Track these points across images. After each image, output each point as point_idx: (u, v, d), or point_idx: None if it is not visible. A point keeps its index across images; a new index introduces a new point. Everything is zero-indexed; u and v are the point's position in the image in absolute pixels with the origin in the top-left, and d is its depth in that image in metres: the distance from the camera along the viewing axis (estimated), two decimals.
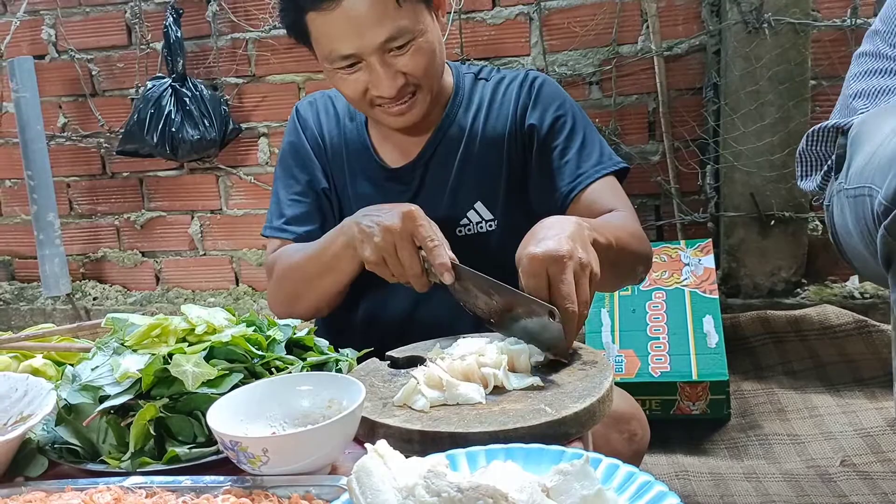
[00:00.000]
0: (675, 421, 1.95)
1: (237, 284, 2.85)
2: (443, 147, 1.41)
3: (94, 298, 2.92)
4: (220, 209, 2.79)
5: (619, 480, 0.72)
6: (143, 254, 2.93)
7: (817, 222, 2.28)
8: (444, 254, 1.10)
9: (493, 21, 2.38)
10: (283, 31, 2.51)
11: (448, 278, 1.09)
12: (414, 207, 1.12)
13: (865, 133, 1.31)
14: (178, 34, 2.48)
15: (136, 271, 2.94)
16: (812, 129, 1.60)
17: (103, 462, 0.90)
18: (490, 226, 1.40)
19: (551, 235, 1.03)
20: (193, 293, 2.89)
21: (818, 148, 1.60)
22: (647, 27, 2.25)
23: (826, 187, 1.58)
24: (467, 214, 1.40)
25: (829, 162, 1.55)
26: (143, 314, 2.58)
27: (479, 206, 1.41)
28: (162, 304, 2.84)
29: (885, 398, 1.99)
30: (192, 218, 2.83)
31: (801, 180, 1.62)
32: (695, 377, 1.91)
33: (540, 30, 2.34)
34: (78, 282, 2.95)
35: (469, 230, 1.40)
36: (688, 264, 2.15)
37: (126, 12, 2.68)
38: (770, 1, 2.08)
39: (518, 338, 1.04)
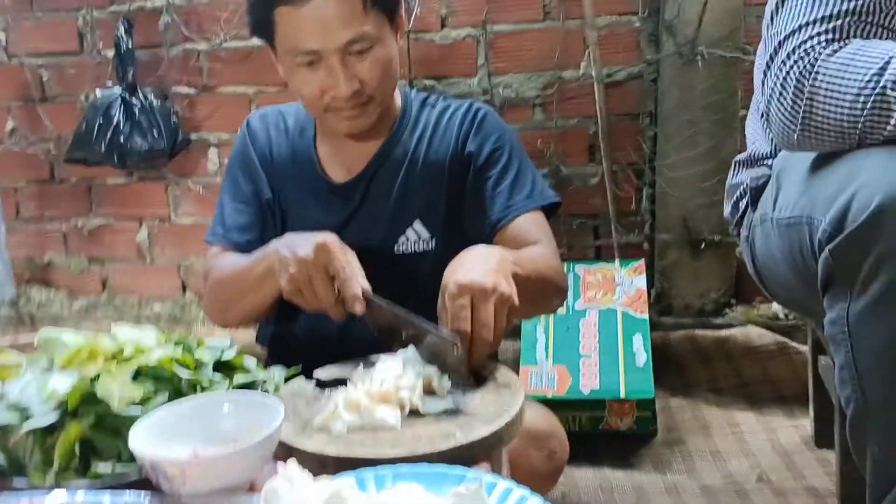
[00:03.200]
0: (604, 436, 2.02)
1: (184, 293, 2.86)
2: (386, 166, 1.47)
3: (39, 304, 2.90)
4: (169, 217, 2.80)
5: (511, 502, 0.78)
6: (90, 260, 2.92)
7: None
8: (356, 285, 1.15)
9: (442, 41, 2.44)
10: (235, 44, 2.57)
11: (359, 308, 1.15)
12: (329, 239, 1.17)
13: (792, 167, 1.39)
14: (129, 45, 2.49)
15: (83, 277, 2.94)
16: (736, 157, 1.69)
17: (27, 479, 0.93)
18: (428, 245, 1.46)
19: (478, 266, 1.12)
20: (140, 300, 2.89)
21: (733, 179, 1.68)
22: (589, 54, 2.33)
23: (735, 216, 1.67)
24: (406, 232, 1.47)
25: (739, 191, 1.63)
26: (89, 323, 2.57)
27: (417, 224, 1.47)
28: (108, 310, 2.84)
29: (803, 416, 2.08)
30: (140, 225, 2.84)
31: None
32: (622, 395, 1.99)
33: (486, 52, 2.41)
34: (23, 286, 2.93)
35: (406, 248, 1.46)
36: (621, 284, 2.22)
37: (78, 20, 2.68)
38: (704, 34, 2.17)
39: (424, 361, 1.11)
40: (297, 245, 1.18)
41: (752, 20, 2.22)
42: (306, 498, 0.74)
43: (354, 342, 1.32)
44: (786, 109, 1.15)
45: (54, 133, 2.77)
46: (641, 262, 2.29)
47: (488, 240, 1.40)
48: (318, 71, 1.33)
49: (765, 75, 1.21)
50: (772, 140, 1.52)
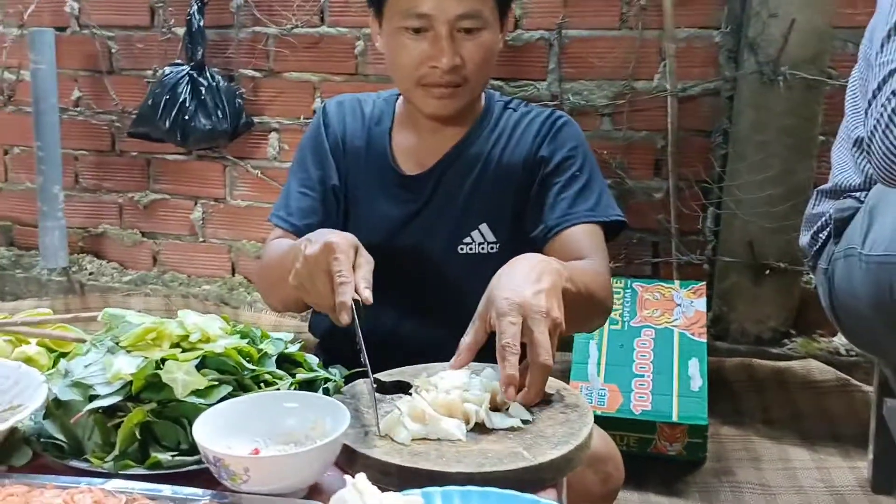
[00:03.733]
0: (651, 458, 1.97)
1: (233, 275, 2.86)
2: (459, 163, 1.45)
3: (91, 273, 2.93)
4: (224, 198, 2.81)
5: None
6: (143, 234, 2.94)
7: (812, 277, 2.30)
8: (347, 293, 1.05)
9: (514, 42, 2.40)
10: (304, 31, 2.56)
11: (344, 319, 1.04)
12: (338, 240, 1.09)
13: (889, 203, 1.33)
14: (201, 23, 2.50)
15: (135, 250, 2.96)
16: (820, 188, 1.62)
17: (87, 460, 0.92)
18: (492, 248, 1.44)
19: (530, 283, 1.06)
20: (189, 278, 2.90)
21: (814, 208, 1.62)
22: (665, 66, 2.27)
23: (814, 247, 1.61)
24: (471, 234, 1.44)
25: (821, 222, 1.57)
26: (138, 296, 2.59)
27: (483, 227, 1.44)
28: (157, 285, 2.85)
29: (860, 458, 2.01)
30: (196, 204, 2.85)
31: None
32: (675, 419, 1.93)
33: (558, 57, 2.36)
34: (76, 255, 2.96)
35: (471, 249, 1.44)
36: (680, 305, 2.17)
37: None
38: (787, 54, 2.10)
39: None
40: (312, 240, 1.13)
41: (838, 44, 2.14)
42: (374, 500, 0.71)
43: (408, 344, 1.30)
44: (891, 142, 1.10)
45: (119, 105, 2.80)
46: (703, 284, 2.22)
47: (541, 245, 1.38)
48: (423, 41, 1.33)
49: (870, 104, 1.15)
50: (864, 171, 1.46)
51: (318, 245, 1.09)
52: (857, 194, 1.48)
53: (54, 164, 2.68)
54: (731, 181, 2.23)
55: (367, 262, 1.12)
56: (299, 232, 1.43)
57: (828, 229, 1.53)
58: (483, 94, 1.50)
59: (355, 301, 1.05)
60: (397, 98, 1.53)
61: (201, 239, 2.87)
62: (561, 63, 2.36)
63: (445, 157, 1.46)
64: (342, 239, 1.10)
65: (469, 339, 1.07)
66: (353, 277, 1.07)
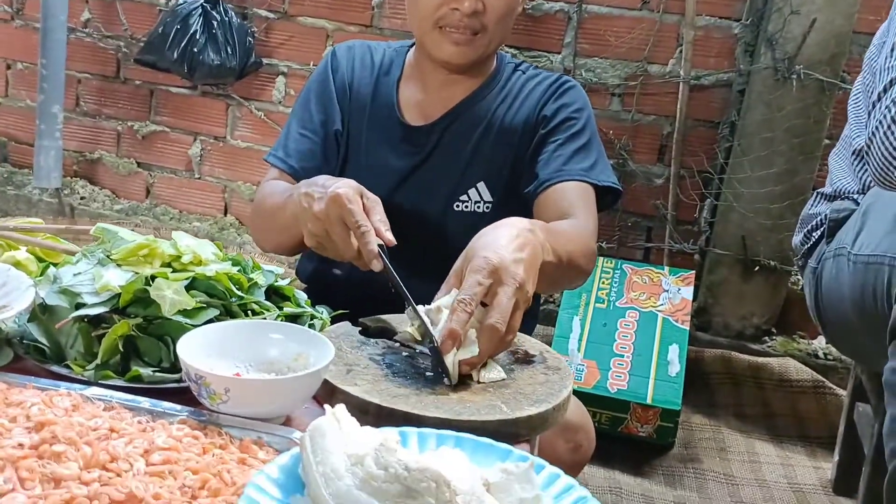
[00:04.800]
0: (620, 438, 1.99)
1: (225, 214, 2.85)
2: (464, 119, 1.45)
3: (82, 198, 2.91)
4: (224, 137, 2.79)
5: (557, 489, 0.75)
6: (139, 164, 2.92)
7: (799, 277, 2.32)
8: (372, 240, 1.06)
9: (533, 12, 2.37)
10: None
11: (376, 266, 1.06)
12: (343, 189, 1.07)
13: (883, 205, 1.34)
14: None
15: (129, 180, 2.94)
16: (820, 189, 1.63)
17: (68, 367, 0.92)
18: (487, 207, 1.43)
19: (512, 250, 1.01)
20: (180, 213, 2.89)
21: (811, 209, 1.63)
22: (681, 52, 2.26)
23: (805, 245, 1.62)
24: (468, 192, 1.44)
25: (816, 221, 1.58)
26: (128, 225, 2.59)
27: (481, 185, 1.44)
28: (148, 217, 2.84)
29: (825, 459, 2.04)
30: (195, 140, 2.82)
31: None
32: (649, 401, 1.95)
33: (576, 31, 2.34)
34: (69, 178, 2.94)
35: (466, 207, 1.43)
36: (667, 291, 2.18)
37: None
38: (804, 53, 2.10)
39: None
40: (315, 197, 1.11)
41: (856, 48, 2.14)
42: (353, 441, 0.72)
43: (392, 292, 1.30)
44: (890, 146, 1.10)
45: (128, 31, 2.76)
46: (692, 273, 2.23)
47: (532, 199, 1.37)
48: None
49: (873, 107, 1.15)
50: (861, 181, 1.47)
51: (324, 200, 1.08)
52: (854, 196, 1.49)
53: (57, 83, 2.65)
54: (733, 174, 2.23)
55: (376, 202, 1.11)
56: (296, 174, 1.43)
57: (821, 229, 1.53)
58: (496, 54, 1.48)
59: (380, 246, 1.06)
60: (408, 49, 1.52)
61: (197, 175, 2.85)
62: (577, 38, 2.34)
63: (451, 112, 1.45)
64: (346, 187, 1.08)
65: (441, 294, 1.03)
66: (370, 223, 1.07)
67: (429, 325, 0.98)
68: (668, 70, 2.30)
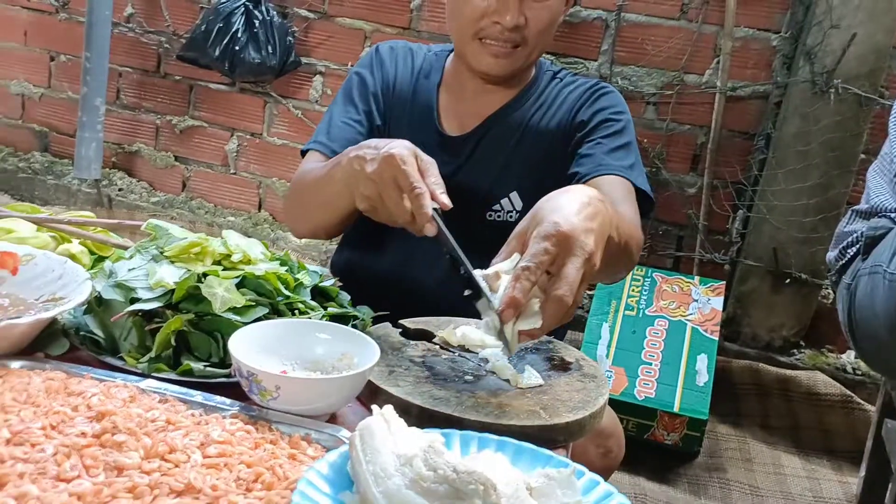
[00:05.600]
0: (646, 445, 2.00)
1: (259, 210, 2.89)
2: (499, 129, 1.44)
3: (120, 189, 2.97)
4: (261, 134, 2.83)
5: (596, 496, 0.77)
6: (176, 158, 2.97)
7: (830, 291, 2.31)
8: (427, 203, 1.01)
9: (571, 19, 2.39)
10: None
11: (429, 230, 1.01)
12: (397, 150, 1.03)
13: None
14: None
15: (166, 173, 2.99)
16: (854, 208, 1.63)
17: (122, 359, 0.95)
18: (514, 216, 1.43)
19: (583, 218, 0.94)
20: (215, 207, 2.93)
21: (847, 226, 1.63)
22: (718, 63, 2.27)
23: (840, 261, 1.62)
24: (501, 201, 1.43)
25: (851, 239, 1.58)
26: (164, 218, 2.63)
27: (514, 195, 1.43)
28: (183, 210, 2.89)
29: (851, 474, 2.03)
30: (232, 135, 2.87)
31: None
32: (676, 409, 1.96)
33: (613, 38, 2.35)
34: (107, 169, 3.00)
35: (499, 217, 1.43)
36: (697, 300, 2.18)
37: None
38: (843, 68, 2.09)
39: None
40: (367, 158, 1.06)
41: None
42: (401, 441, 0.74)
43: (430, 300, 1.30)
44: None
45: (170, 27, 2.80)
46: (722, 284, 2.24)
47: None
48: None
49: None
50: None
51: (377, 160, 1.04)
52: (892, 215, 1.49)
53: (100, 76, 2.71)
54: (766, 186, 2.23)
55: (431, 163, 1.07)
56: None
57: (857, 246, 1.53)
58: (535, 63, 1.47)
59: (434, 209, 1.01)
60: (448, 55, 1.52)
61: (232, 171, 2.90)
62: (615, 45, 2.35)
63: (486, 121, 1.45)
64: (401, 147, 1.04)
65: (500, 258, 0.97)
66: (425, 185, 1.02)
67: (486, 291, 0.93)
68: (705, 80, 2.30)
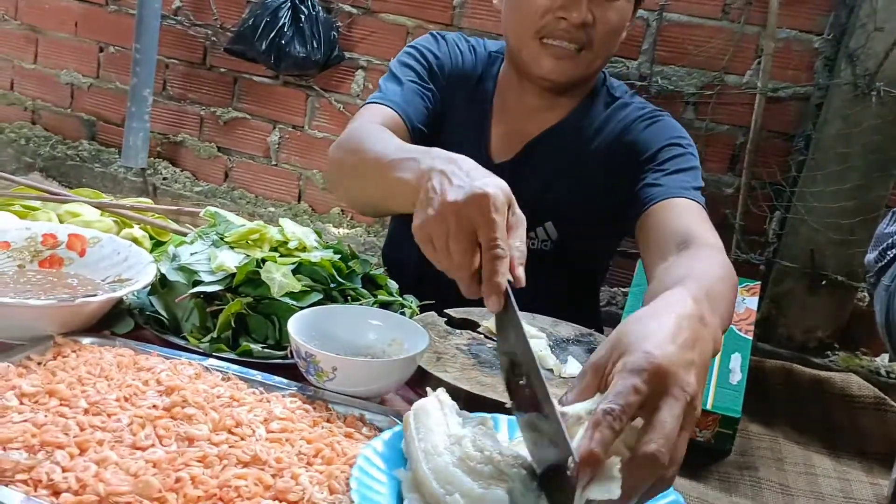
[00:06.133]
0: None
1: (299, 201, 2.95)
2: (543, 155, 1.37)
3: (164, 178, 3.04)
4: (303, 126, 2.88)
5: None
6: (219, 149, 3.04)
7: (866, 293, 2.31)
8: (504, 272, 0.79)
9: None
10: None
11: (493, 306, 0.79)
12: (493, 191, 0.81)
13: None
14: None
15: (209, 163, 3.06)
16: None
17: (184, 338, 1.00)
18: (550, 245, 1.39)
19: (682, 347, 0.70)
20: (256, 198, 3.00)
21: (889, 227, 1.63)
22: (759, 63, 2.27)
23: (879, 263, 1.62)
24: (535, 230, 1.38)
25: (892, 240, 1.59)
26: (207, 206, 2.70)
27: (549, 225, 1.39)
28: (225, 200, 2.95)
29: (883, 476, 2.03)
30: (274, 128, 2.93)
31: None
32: (710, 407, 1.97)
33: (654, 38, 2.37)
34: (152, 159, 3.07)
35: (533, 245, 1.37)
36: None
37: None
38: (886, 70, 2.09)
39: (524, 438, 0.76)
40: (453, 182, 0.84)
41: None
42: (453, 422, 0.78)
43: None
44: None
45: (218, 21, 2.87)
46: (758, 284, 2.24)
47: (633, 220, 1.24)
48: None
49: None
50: None
51: (465, 191, 0.81)
52: None
53: (149, 68, 2.78)
54: (805, 188, 2.23)
55: (521, 223, 0.86)
56: (412, 126, 1.27)
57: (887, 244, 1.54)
58: (596, 76, 1.39)
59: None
60: (500, 60, 1.43)
61: (274, 162, 2.96)
62: (655, 45, 2.36)
63: (531, 143, 1.37)
64: (498, 189, 0.82)
65: (573, 396, 0.71)
66: (510, 249, 0.81)
67: (566, 434, 0.65)
68: (745, 81, 2.31)
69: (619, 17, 1.27)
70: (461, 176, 0.85)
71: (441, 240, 0.82)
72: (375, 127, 1.18)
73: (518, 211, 0.85)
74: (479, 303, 1.10)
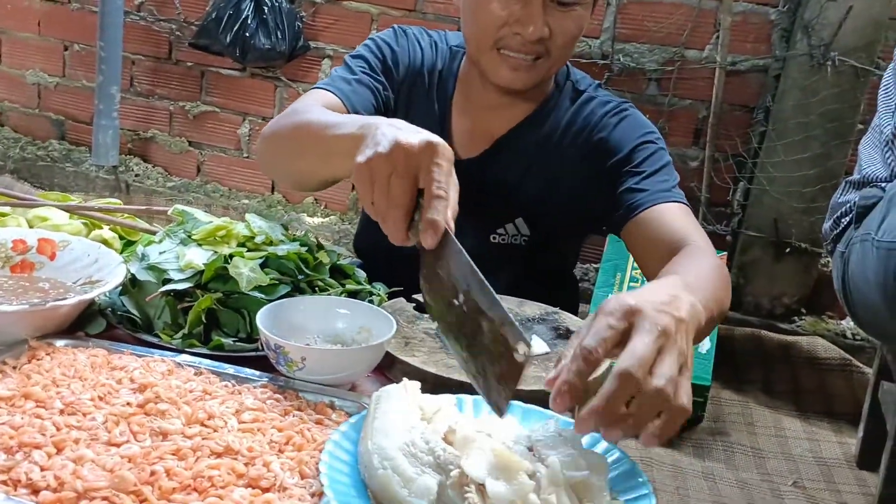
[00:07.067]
0: None
1: (272, 192, 2.96)
2: (509, 154, 1.37)
3: (137, 175, 3.04)
4: (272, 117, 2.88)
5: (600, 449, 0.85)
6: (191, 143, 3.04)
7: (829, 259, 2.37)
8: (442, 210, 0.82)
9: None
10: None
11: (429, 241, 0.82)
12: (444, 144, 0.84)
13: None
14: None
15: (180, 158, 3.06)
16: (848, 178, 1.68)
17: (157, 335, 1.03)
18: (522, 240, 1.40)
19: (656, 297, 0.76)
20: (230, 191, 3.01)
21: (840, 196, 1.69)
22: (717, 38, 2.31)
23: (835, 231, 1.68)
24: (506, 225, 1.39)
25: (845, 209, 1.64)
26: (180, 202, 2.71)
27: (519, 221, 1.39)
28: (199, 194, 2.96)
29: (850, 435, 2.11)
30: (244, 120, 2.93)
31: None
32: None
33: (615, 16, 2.40)
34: (124, 156, 3.07)
35: (503, 240, 1.39)
36: None
37: None
38: (840, 40, 2.14)
39: (457, 354, 0.83)
40: (404, 130, 0.86)
41: (893, 34, 2.17)
42: (414, 410, 0.81)
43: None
44: None
45: (181, 15, 2.86)
46: (724, 254, 2.30)
47: (618, 227, 1.26)
48: (514, 3, 1.21)
49: None
50: (891, 166, 1.52)
51: (418, 137, 0.84)
52: (883, 184, 1.55)
53: (115, 64, 2.77)
54: (767, 158, 2.28)
55: (456, 184, 0.87)
56: (354, 113, 1.25)
57: (850, 216, 1.59)
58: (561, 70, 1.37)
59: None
60: (461, 55, 1.41)
61: (245, 154, 2.97)
62: (616, 23, 2.39)
63: (498, 143, 1.37)
64: (447, 146, 0.85)
65: (563, 375, 0.73)
66: (452, 194, 0.84)
67: (516, 323, 0.72)
68: (705, 55, 2.35)
69: (576, 25, 1.25)
70: (411, 129, 0.87)
71: (383, 177, 0.84)
72: (315, 106, 1.18)
73: (455, 178, 0.87)
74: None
